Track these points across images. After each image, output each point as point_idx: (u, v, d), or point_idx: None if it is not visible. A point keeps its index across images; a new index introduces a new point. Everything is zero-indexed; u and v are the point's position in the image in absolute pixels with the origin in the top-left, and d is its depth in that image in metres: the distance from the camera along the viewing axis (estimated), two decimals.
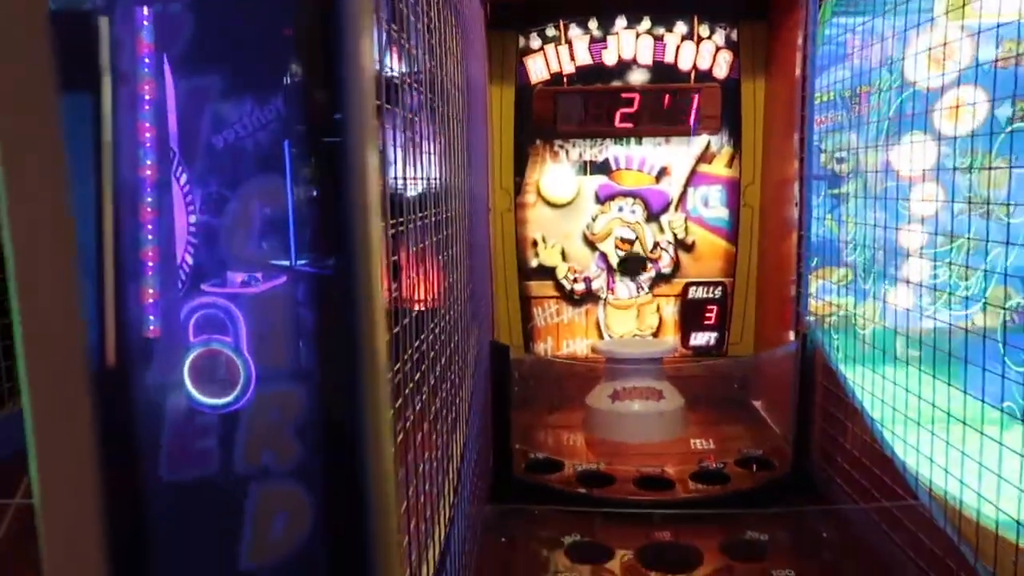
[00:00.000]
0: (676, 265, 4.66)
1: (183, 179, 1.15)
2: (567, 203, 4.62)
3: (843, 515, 3.10)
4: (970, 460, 2.11)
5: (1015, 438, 1.93)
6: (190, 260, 1.17)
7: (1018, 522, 1.92)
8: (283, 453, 1.11)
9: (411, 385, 1.36)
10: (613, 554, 2.91)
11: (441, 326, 1.98)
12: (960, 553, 2.19)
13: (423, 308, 1.67)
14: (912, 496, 2.52)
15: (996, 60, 2.08)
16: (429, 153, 1.84)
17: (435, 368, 1.90)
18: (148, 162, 1.16)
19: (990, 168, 2.19)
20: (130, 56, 1.13)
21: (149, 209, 1.15)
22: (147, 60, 1.14)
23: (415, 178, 1.61)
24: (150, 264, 1.15)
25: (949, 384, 2.27)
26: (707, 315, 4.66)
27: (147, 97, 1.15)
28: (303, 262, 1.09)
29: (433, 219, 1.89)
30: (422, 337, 1.67)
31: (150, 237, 1.14)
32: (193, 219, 1.16)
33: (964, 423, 2.18)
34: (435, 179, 1.95)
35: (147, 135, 1.15)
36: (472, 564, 2.57)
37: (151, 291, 1.15)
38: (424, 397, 1.68)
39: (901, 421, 2.59)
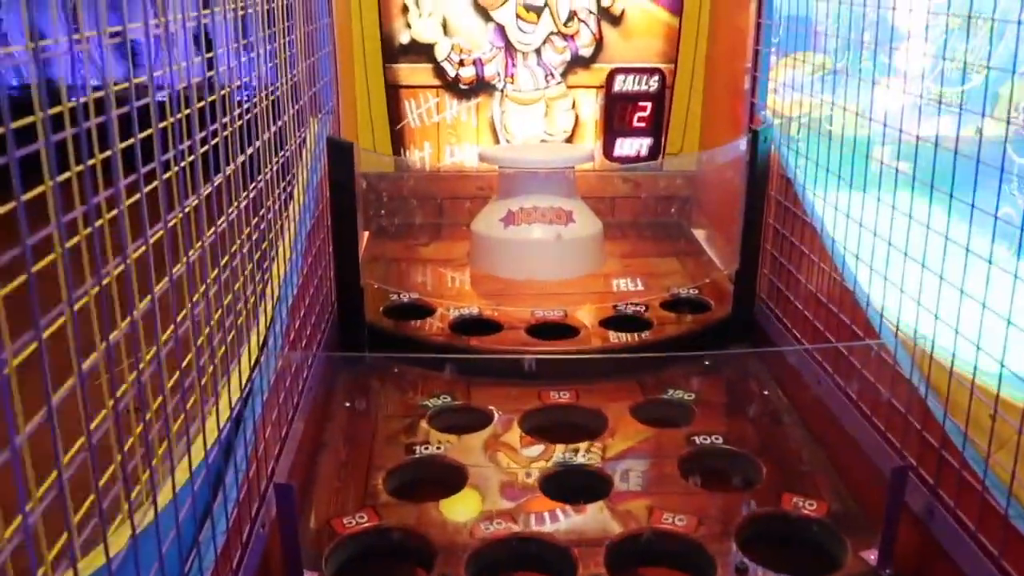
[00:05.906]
0: (599, 45, 4.29)
1: None
2: None
3: (786, 362, 3.03)
4: (951, 292, 1.98)
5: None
6: None
7: (1002, 364, 1.77)
8: None
9: None
10: (490, 421, 2.77)
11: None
12: (925, 405, 2.11)
13: None
14: (874, 336, 2.45)
15: None
16: None
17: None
18: None
19: None
20: None
21: None
22: None
23: None
24: None
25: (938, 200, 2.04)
26: (639, 114, 4.39)
27: None
28: None
29: None
30: None
31: None
32: None
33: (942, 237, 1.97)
34: None
35: None
36: (295, 427, 2.40)
37: None
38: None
39: (870, 247, 2.47)
